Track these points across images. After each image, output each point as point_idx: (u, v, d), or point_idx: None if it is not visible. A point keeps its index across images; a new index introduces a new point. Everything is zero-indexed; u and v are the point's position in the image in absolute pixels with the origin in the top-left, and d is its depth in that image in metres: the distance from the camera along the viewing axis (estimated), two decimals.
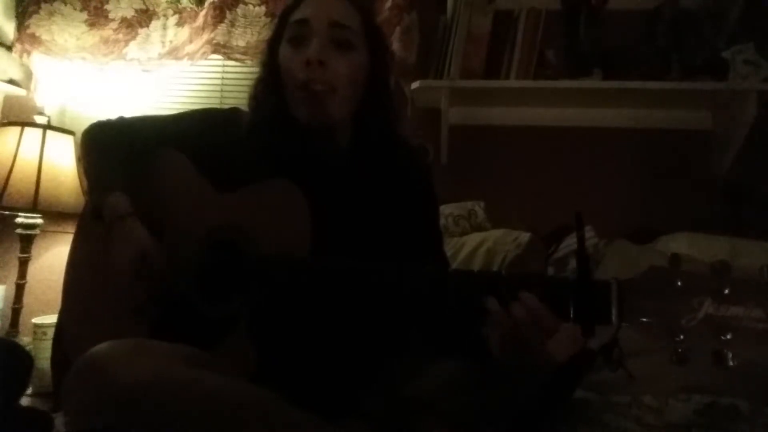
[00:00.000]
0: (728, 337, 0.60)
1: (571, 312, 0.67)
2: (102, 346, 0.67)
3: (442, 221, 1.70)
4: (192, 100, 2.22)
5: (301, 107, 0.90)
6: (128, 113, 1.11)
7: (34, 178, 1.83)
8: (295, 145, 0.93)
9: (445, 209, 1.75)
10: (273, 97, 0.94)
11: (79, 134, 1.12)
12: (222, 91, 2.22)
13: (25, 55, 2.12)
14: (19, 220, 1.89)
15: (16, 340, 1.80)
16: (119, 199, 0.93)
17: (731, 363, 0.60)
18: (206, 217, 0.91)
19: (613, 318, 0.65)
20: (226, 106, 1.10)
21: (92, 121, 1.08)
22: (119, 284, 0.90)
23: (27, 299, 1.90)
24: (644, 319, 0.64)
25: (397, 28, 1.93)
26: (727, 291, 0.61)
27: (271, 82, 0.95)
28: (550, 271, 1.54)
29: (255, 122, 0.97)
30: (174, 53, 2.11)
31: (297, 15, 0.93)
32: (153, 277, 0.88)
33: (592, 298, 0.67)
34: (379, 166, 0.97)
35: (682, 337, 0.62)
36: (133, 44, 2.12)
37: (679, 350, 0.62)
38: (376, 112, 0.96)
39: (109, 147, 1.02)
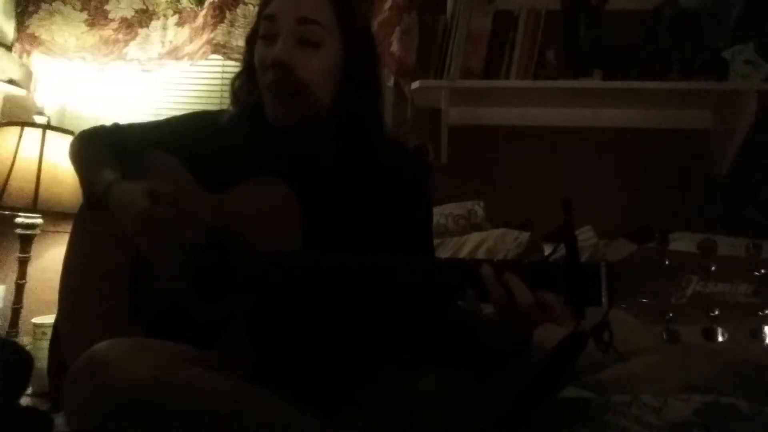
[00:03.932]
0: (716, 313, 0.61)
1: (561, 295, 0.68)
2: (101, 345, 0.67)
3: (442, 221, 1.71)
4: (192, 100, 2.22)
5: (269, 108, 0.90)
6: (128, 113, 1.12)
7: (34, 178, 1.83)
8: (272, 144, 0.92)
9: (445, 209, 1.75)
10: (249, 94, 0.94)
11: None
12: (222, 91, 2.22)
13: (25, 55, 2.12)
14: (19, 220, 1.89)
15: (16, 340, 1.80)
16: (106, 173, 0.92)
17: (721, 338, 0.60)
18: (198, 217, 0.91)
19: (603, 299, 0.66)
20: (222, 107, 1.10)
21: (92, 121, 1.09)
22: (115, 284, 0.90)
23: (27, 299, 1.91)
24: (634, 299, 0.65)
25: (397, 28, 1.93)
26: (713, 268, 0.62)
27: (247, 79, 0.95)
28: None
29: (232, 120, 0.97)
30: (174, 53, 2.11)
31: (267, 10, 0.91)
32: (171, 215, 0.85)
33: (582, 281, 0.67)
34: (366, 160, 0.96)
35: (671, 315, 0.63)
36: (133, 44, 2.12)
37: (670, 328, 0.63)
38: (355, 104, 0.93)
39: (100, 150, 1.02)
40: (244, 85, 0.96)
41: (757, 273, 0.61)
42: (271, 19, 0.89)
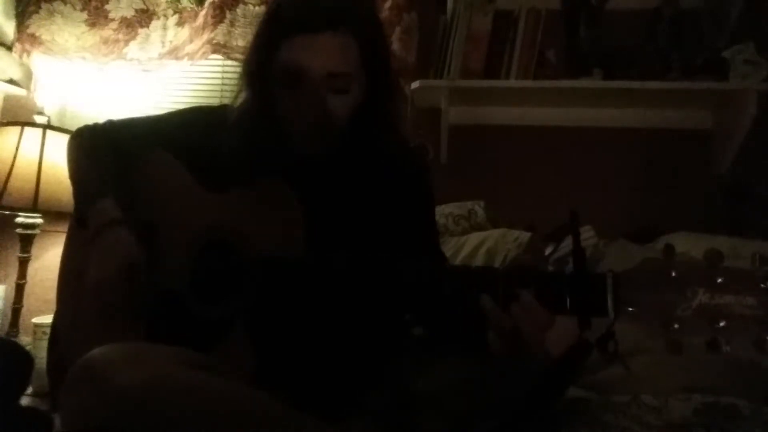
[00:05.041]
0: (722, 324, 0.61)
1: (568, 305, 0.68)
2: (100, 350, 0.67)
3: (442, 221, 1.71)
4: (192, 100, 2.22)
5: (300, 142, 0.91)
6: (128, 113, 1.11)
7: (34, 178, 1.82)
8: (274, 145, 0.92)
9: (445, 209, 1.75)
10: (266, 124, 0.92)
11: None
12: (222, 91, 2.22)
13: (25, 55, 2.12)
14: (19, 220, 1.89)
15: (16, 340, 1.80)
16: (106, 206, 0.90)
17: (726, 350, 0.60)
18: (198, 217, 0.91)
19: (609, 310, 0.66)
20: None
21: (92, 121, 1.07)
22: (112, 287, 0.89)
23: (27, 299, 1.90)
24: (640, 310, 0.65)
25: (397, 28, 1.93)
26: (720, 280, 0.62)
27: (262, 110, 0.92)
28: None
29: (244, 137, 0.94)
30: (174, 53, 2.11)
31: (289, 59, 0.85)
32: (137, 289, 0.85)
33: (588, 291, 0.67)
34: (371, 164, 0.96)
35: (676, 326, 0.63)
36: (133, 44, 2.12)
37: (674, 339, 0.63)
38: (371, 125, 0.94)
39: (97, 151, 1.00)
40: (257, 118, 0.93)
41: (762, 285, 0.61)
42: (298, 73, 0.86)
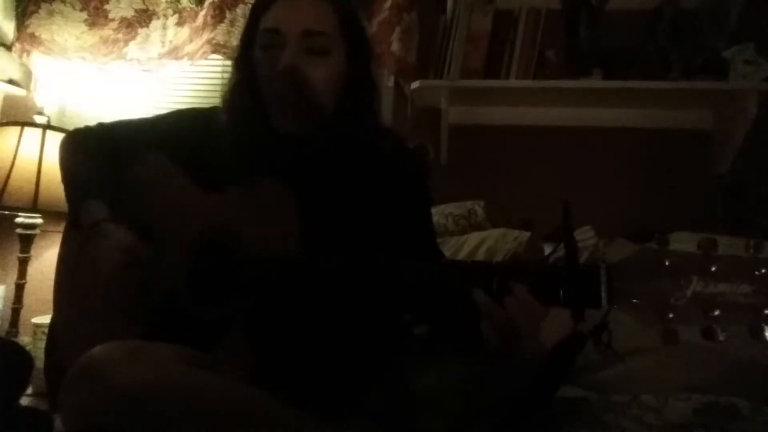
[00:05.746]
0: (716, 313, 0.61)
1: (561, 297, 0.68)
2: (100, 349, 0.67)
3: (442, 221, 1.71)
4: (192, 100, 2.22)
5: (277, 117, 0.90)
6: (128, 113, 1.10)
7: (34, 178, 1.83)
8: (269, 145, 0.92)
9: (445, 209, 1.75)
10: (249, 100, 0.92)
11: None
12: (222, 91, 2.22)
13: (24, 54, 2.12)
14: (19, 220, 1.89)
15: (16, 340, 1.80)
16: (94, 206, 0.91)
17: (720, 338, 0.60)
18: (196, 218, 0.90)
19: (603, 301, 0.66)
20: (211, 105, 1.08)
21: (92, 121, 1.07)
22: (108, 288, 0.89)
23: (27, 299, 1.91)
24: (634, 300, 0.64)
25: (397, 28, 1.93)
26: (713, 268, 0.62)
27: (246, 85, 0.93)
28: None
29: (229, 122, 0.95)
30: (174, 53, 2.11)
31: (268, 21, 0.90)
32: (144, 276, 0.86)
33: (582, 283, 0.67)
34: (363, 158, 0.95)
35: (671, 315, 0.62)
36: (133, 44, 2.12)
37: (670, 329, 0.62)
38: (356, 107, 0.94)
39: (88, 155, 1.01)
40: (242, 91, 0.94)
41: (757, 272, 0.60)
42: (275, 32, 0.88)
